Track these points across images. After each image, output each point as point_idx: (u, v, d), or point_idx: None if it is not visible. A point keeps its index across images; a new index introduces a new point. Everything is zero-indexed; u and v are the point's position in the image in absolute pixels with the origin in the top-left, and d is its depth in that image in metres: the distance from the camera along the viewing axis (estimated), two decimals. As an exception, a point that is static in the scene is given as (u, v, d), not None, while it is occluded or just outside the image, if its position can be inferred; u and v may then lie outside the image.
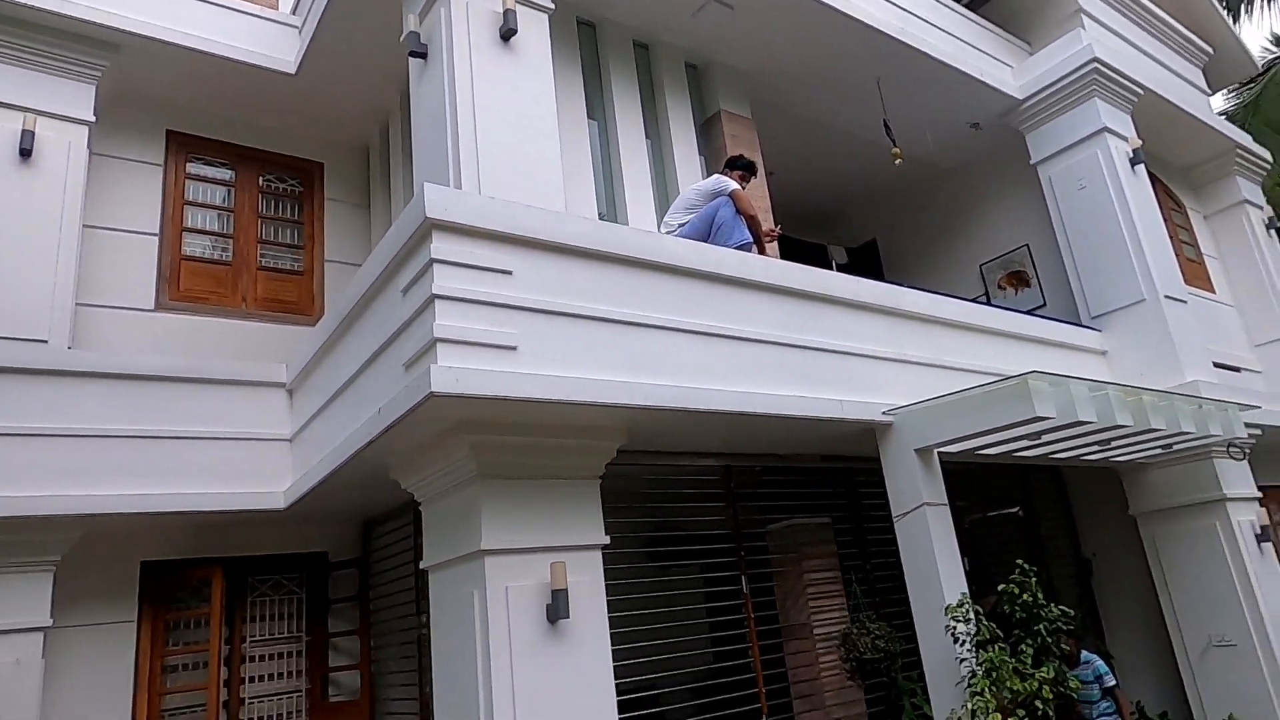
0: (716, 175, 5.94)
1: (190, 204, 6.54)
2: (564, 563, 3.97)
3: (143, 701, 5.17)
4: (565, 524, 4.15)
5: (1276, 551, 7.09)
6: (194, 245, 6.46)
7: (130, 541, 5.34)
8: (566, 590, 3.92)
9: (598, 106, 6.44)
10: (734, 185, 5.72)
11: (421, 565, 4.47)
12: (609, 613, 4.22)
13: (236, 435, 5.19)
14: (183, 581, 5.47)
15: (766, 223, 6.21)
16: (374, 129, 7.23)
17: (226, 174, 6.75)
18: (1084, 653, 6.10)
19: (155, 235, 6.28)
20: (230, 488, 5.06)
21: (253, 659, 5.77)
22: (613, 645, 4.18)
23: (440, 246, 3.70)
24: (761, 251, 5.80)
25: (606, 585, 4.27)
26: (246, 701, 5.64)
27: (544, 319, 3.95)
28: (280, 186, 6.96)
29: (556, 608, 3.91)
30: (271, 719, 5.70)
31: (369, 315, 4.37)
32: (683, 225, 5.64)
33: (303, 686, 5.88)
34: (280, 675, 5.85)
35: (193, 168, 6.62)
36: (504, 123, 4.78)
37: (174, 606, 5.49)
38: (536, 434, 4.10)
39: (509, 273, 3.90)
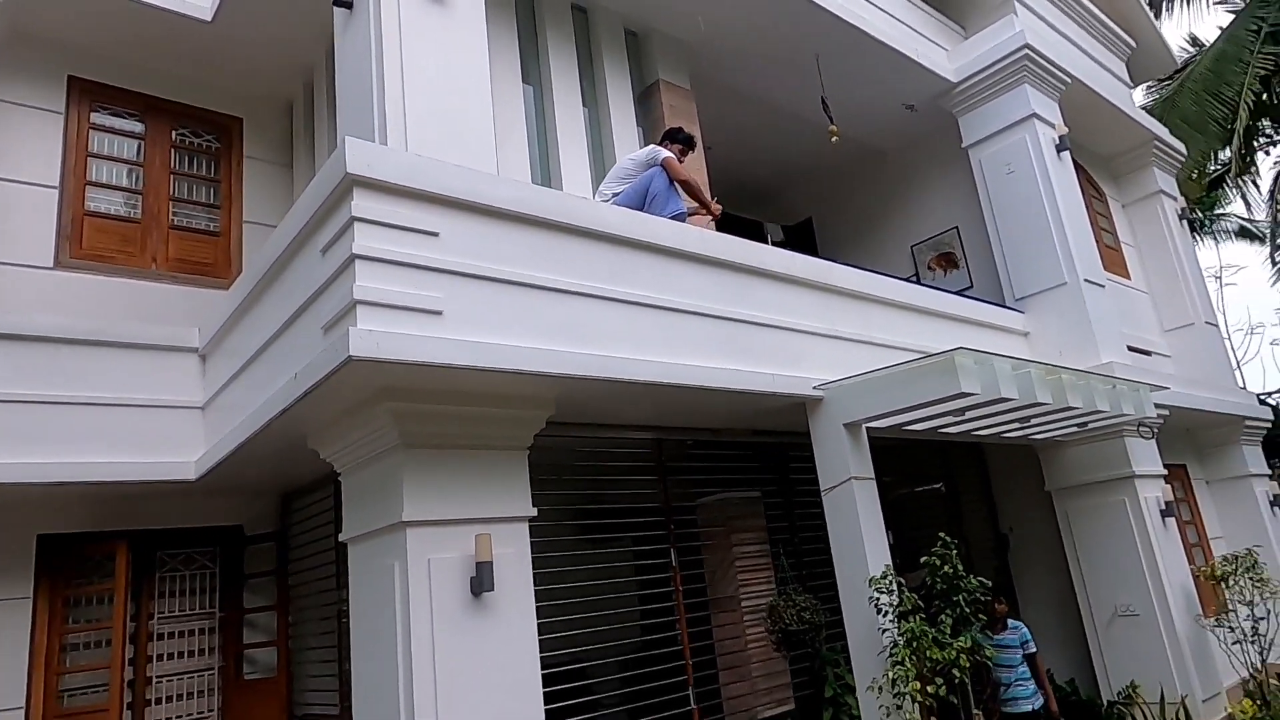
0: (652, 145, 5.85)
1: (95, 156, 6.13)
2: (489, 535, 3.87)
3: (38, 681, 4.89)
4: (491, 495, 4.05)
5: (1179, 526, 7.46)
6: (99, 201, 6.07)
7: (26, 513, 5.01)
8: (491, 563, 3.83)
9: (533, 70, 6.27)
10: (667, 154, 5.65)
11: (341, 538, 4.32)
12: (535, 586, 4.15)
13: (144, 402, 4.91)
14: (84, 556, 5.18)
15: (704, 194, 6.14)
16: (297, 84, 6.89)
17: (136, 126, 6.35)
18: (1010, 620, 6.29)
19: (55, 188, 5.88)
20: (137, 457, 4.79)
21: (161, 636, 5.52)
22: (539, 619, 4.11)
23: (362, 204, 3.53)
24: (708, 212, 5.77)
25: (534, 558, 4.20)
26: (154, 680, 5.39)
27: (471, 283, 3.82)
28: (195, 141, 6.59)
29: (480, 580, 3.81)
30: (181, 698, 5.48)
31: (286, 276, 4.16)
32: (616, 195, 5.55)
33: (215, 664, 5.66)
34: (191, 653, 5.61)
35: (97, 117, 6.20)
36: (433, 81, 4.60)
37: (75, 582, 5.19)
38: (462, 402, 3.98)
39: (435, 234, 3.75)
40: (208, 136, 6.65)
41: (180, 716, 5.44)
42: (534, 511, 4.21)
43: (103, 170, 6.16)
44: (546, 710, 4.04)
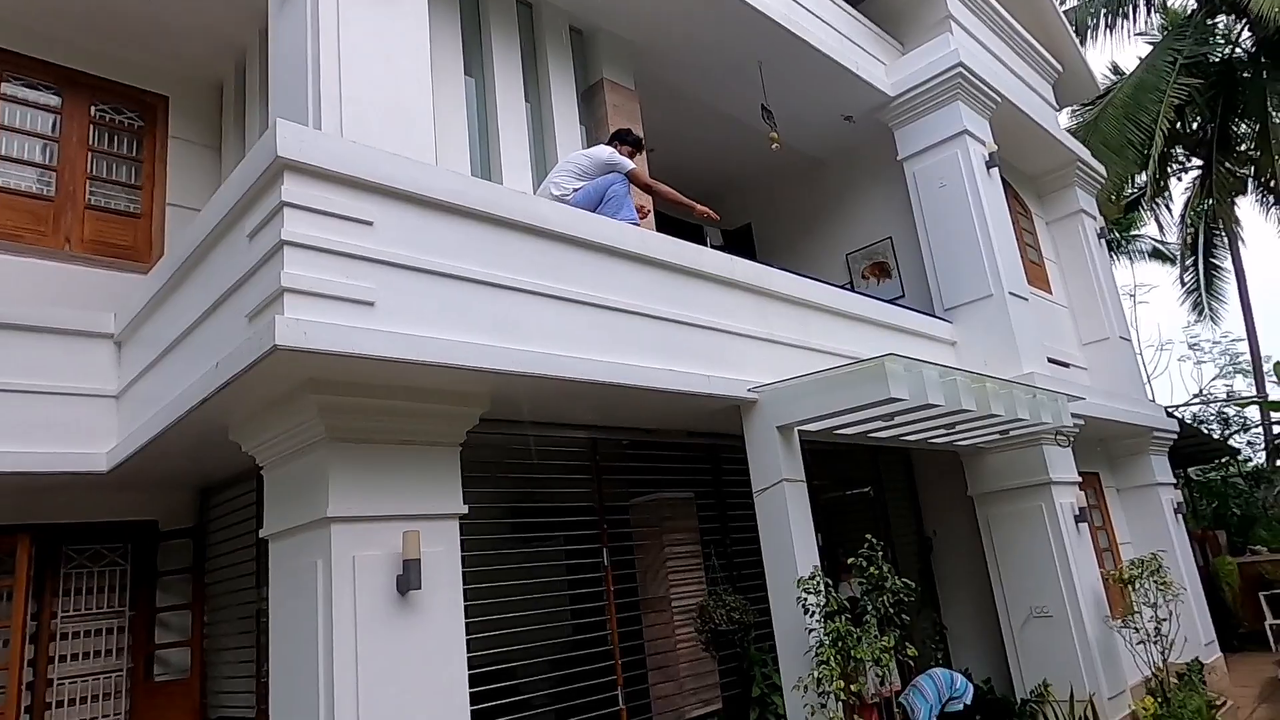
0: (610, 148, 5.84)
1: (5, 129, 5.80)
2: (418, 532, 3.79)
3: (-74, 684, 4.60)
4: (421, 492, 3.97)
5: (1091, 531, 7.79)
6: (8, 176, 5.74)
7: (-84, 505, 4.72)
8: (419, 560, 3.75)
9: (476, 63, 6.18)
10: (632, 165, 5.71)
11: (262, 534, 4.17)
12: (465, 585, 4.08)
13: (52, 389, 4.66)
14: (-19, 551, 4.89)
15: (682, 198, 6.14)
16: (228, 64, 6.65)
17: (51, 99, 6.03)
18: (959, 680, 6.07)
19: (-42, 161, 5.55)
20: (42, 447, 4.54)
21: (65, 636, 5.24)
22: (468, 618, 4.05)
23: (292, 189, 3.42)
24: (691, 211, 5.90)
25: (464, 557, 4.13)
26: (55, 683, 5.12)
27: (406, 275, 3.74)
28: (117, 119, 6.29)
29: (408, 578, 3.73)
30: (85, 700, 5.21)
31: (211, 261, 4.00)
32: (576, 191, 5.52)
33: (124, 665, 5.40)
34: (98, 654, 5.35)
35: (9, 88, 5.87)
36: (372, 67, 4.49)
37: (-31, 578, 4.90)
38: (392, 396, 3.88)
39: (369, 223, 3.66)
40: (130, 114, 6.36)
41: (84, 720, 5.19)
42: (465, 509, 4.14)
43: (14, 144, 5.83)
44: (473, 711, 3.97)
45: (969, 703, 6.08)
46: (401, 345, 3.54)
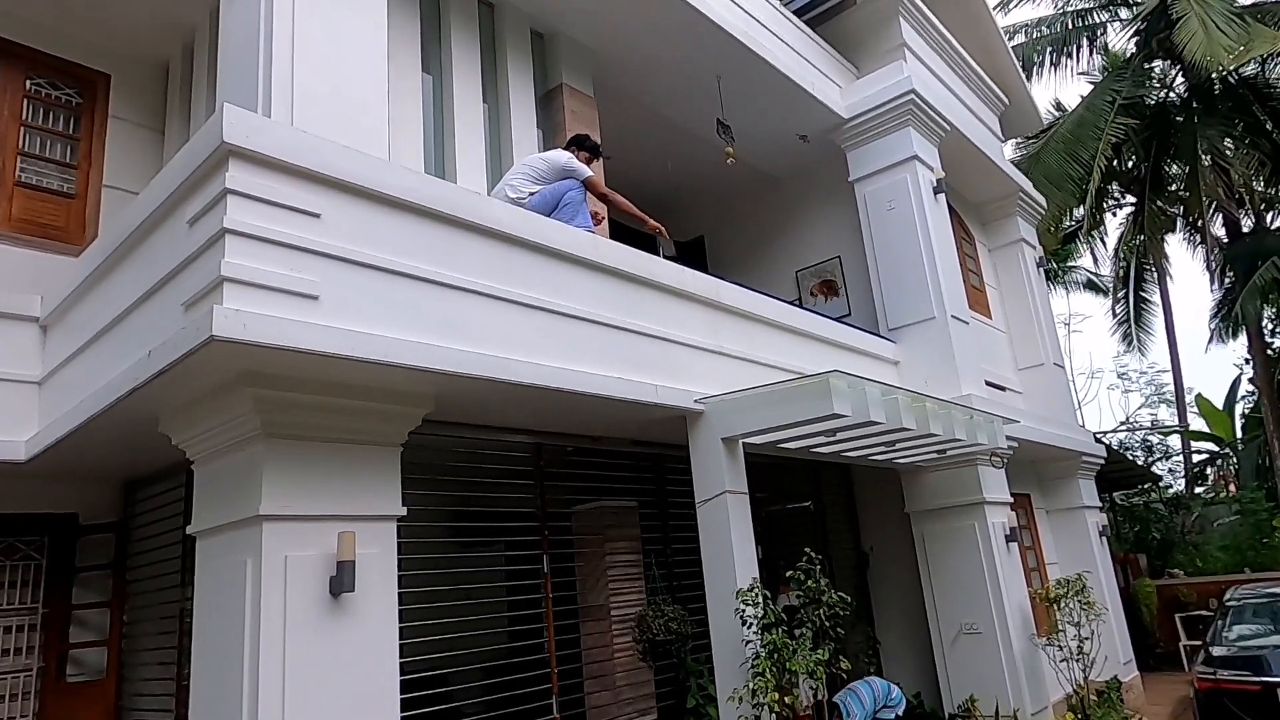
0: (568, 154, 5.82)
1: (-69, 99, 5.53)
2: (353, 533, 3.70)
3: None
4: (358, 492, 3.88)
5: (1020, 551, 8.01)
6: (-68, 148, 5.47)
7: None
8: (354, 562, 3.67)
9: (434, 60, 6.11)
10: (589, 172, 5.70)
11: (189, 530, 4.03)
12: (401, 589, 4.00)
13: (-31, 373, 4.45)
14: (-118, 541, 4.63)
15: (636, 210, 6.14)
16: (176, 45, 6.45)
17: (-17, 70, 5.77)
18: (892, 690, 6.21)
19: (-121, 129, 5.26)
20: (-45, 433, 4.33)
21: (-30, 633, 4.99)
22: (403, 622, 3.97)
23: (237, 176, 3.33)
24: (644, 226, 5.90)
25: (401, 559, 4.05)
26: (-42, 682, 4.86)
27: (352, 270, 3.67)
28: (53, 94, 6.04)
29: (341, 580, 3.64)
30: (-11, 702, 4.96)
31: (148, 246, 3.87)
32: (533, 194, 5.48)
33: (34, 665, 5.15)
34: (6, 652, 5.09)
35: (-62, 56, 5.60)
36: (326, 56, 4.41)
37: None
38: (333, 393, 3.80)
39: (316, 216, 3.58)
40: (68, 90, 6.11)
41: (-14, 722, 4.93)
42: (403, 511, 4.06)
43: (-61, 115, 5.56)
44: (405, 717, 3.89)
45: (900, 715, 6.19)
46: (344, 341, 3.46)
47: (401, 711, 3.86)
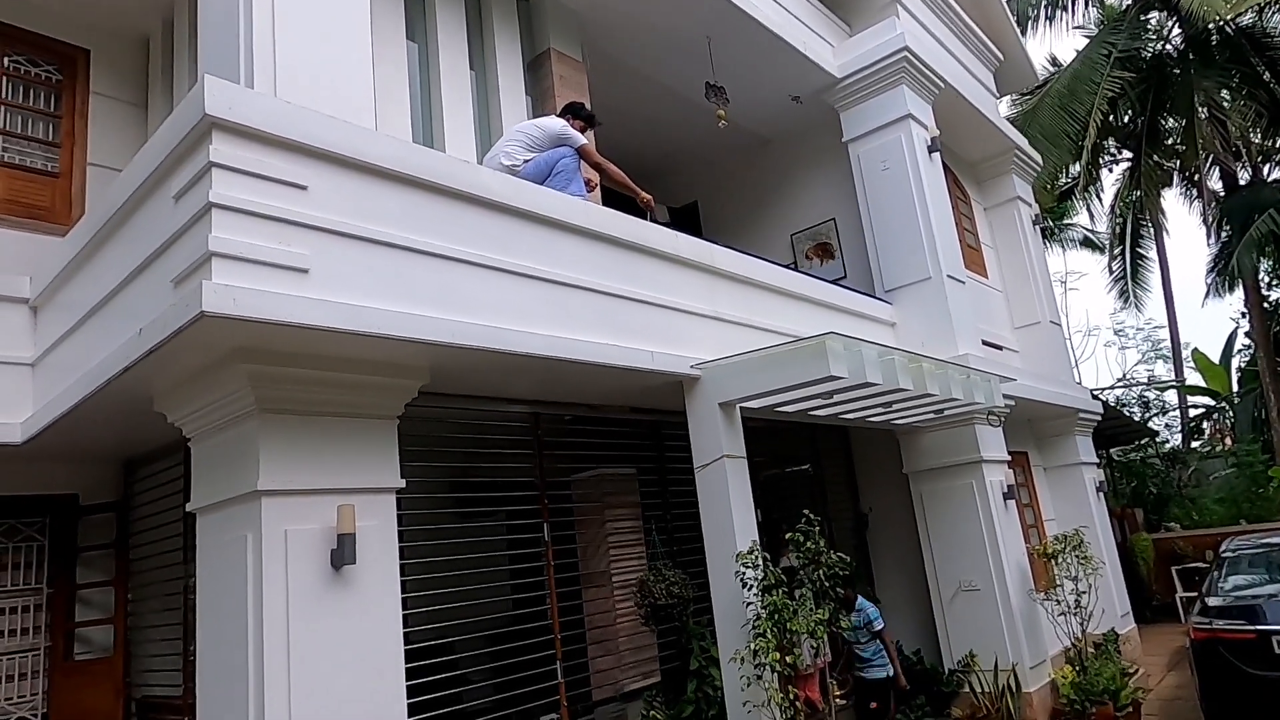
0: (563, 121, 5.74)
1: (-92, 78, 5.44)
2: (353, 506, 3.71)
3: None
4: (356, 465, 3.88)
5: (1018, 508, 8.06)
6: (-88, 129, 5.39)
7: None
8: (354, 535, 3.67)
9: (419, 28, 6.01)
10: (583, 140, 5.63)
11: (189, 507, 4.04)
12: (402, 560, 4.02)
13: (-39, 356, 4.42)
14: (-117, 525, 4.64)
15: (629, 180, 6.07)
16: (155, 19, 6.32)
17: (-41, 48, 5.66)
18: (859, 599, 6.64)
19: None
20: (-50, 416, 4.31)
21: (-23, 614, 5.02)
22: (405, 594, 3.99)
23: (221, 149, 3.28)
24: (636, 197, 5.77)
25: (401, 531, 4.07)
26: (-34, 662, 4.91)
27: (342, 242, 3.63)
28: (33, 71, 5.94)
29: (342, 553, 3.65)
30: (1, 680, 5.00)
31: (135, 223, 3.82)
32: (527, 162, 5.42)
33: (42, 644, 5.20)
34: (13, 632, 5.13)
35: (-88, 34, 5.49)
36: (308, 26, 4.31)
37: None
38: (327, 367, 3.78)
39: (303, 188, 3.54)
40: (47, 67, 6.01)
41: (-2, 701, 4.99)
42: (402, 483, 4.07)
43: (-83, 95, 5.47)
44: (409, 688, 3.93)
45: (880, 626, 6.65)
46: (336, 314, 3.44)
47: (406, 680, 3.90)
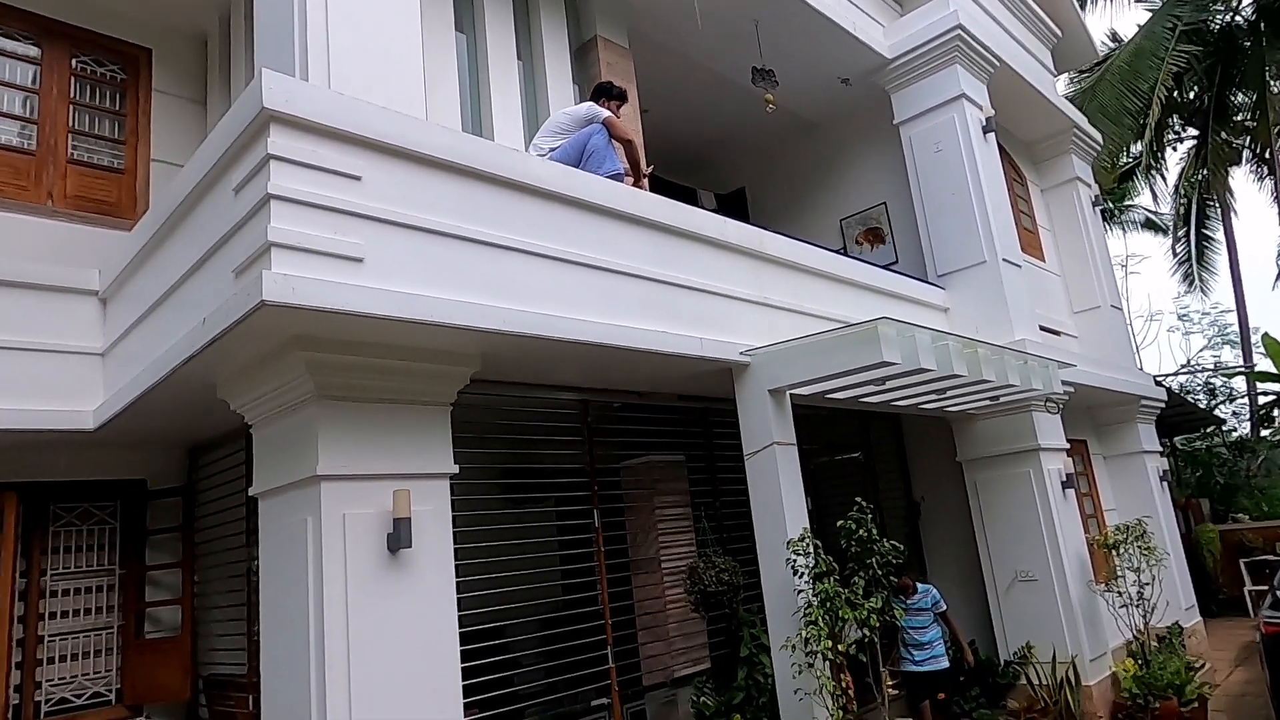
0: (589, 103, 5.74)
1: (-16, 80, 5.66)
2: (408, 491, 3.78)
3: (-84, 640, 4.60)
4: (411, 451, 3.96)
5: (1077, 497, 7.86)
6: (-12, 129, 5.61)
7: (-99, 462, 4.68)
8: (410, 519, 3.75)
9: (467, 19, 6.05)
10: (607, 113, 5.56)
11: (251, 492, 4.16)
12: (456, 545, 4.08)
13: (37, 346, 4.60)
14: (-32, 508, 4.86)
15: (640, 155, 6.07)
16: (213, 16, 6.48)
17: (31, 50, 5.86)
18: (920, 584, 6.56)
19: (-64, 112, 5.41)
20: (29, 404, 4.50)
21: (55, 594, 5.24)
22: (458, 578, 4.06)
23: (279, 142, 3.35)
24: (637, 179, 5.70)
25: (455, 516, 4.13)
26: (46, 639, 5.13)
27: (396, 232, 3.68)
28: (99, 71, 6.14)
29: (398, 537, 3.73)
30: (76, 657, 5.23)
31: (196, 216, 3.93)
32: (553, 150, 5.43)
33: (114, 623, 5.42)
34: (89, 611, 5.36)
35: (-12, 38, 5.71)
36: (360, 20, 4.37)
37: (-43, 536, 4.87)
38: (382, 355, 3.85)
39: (358, 178, 3.59)
40: (112, 66, 6.20)
41: (75, 676, 5.20)
42: (455, 468, 4.13)
43: (-7, 96, 5.69)
44: (463, 669, 4.00)
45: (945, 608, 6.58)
46: (391, 303, 3.50)
47: (461, 662, 3.97)
